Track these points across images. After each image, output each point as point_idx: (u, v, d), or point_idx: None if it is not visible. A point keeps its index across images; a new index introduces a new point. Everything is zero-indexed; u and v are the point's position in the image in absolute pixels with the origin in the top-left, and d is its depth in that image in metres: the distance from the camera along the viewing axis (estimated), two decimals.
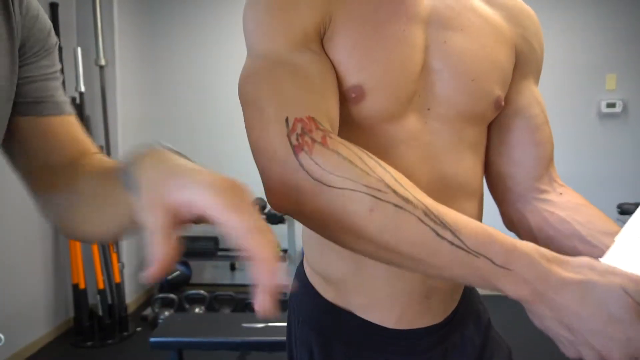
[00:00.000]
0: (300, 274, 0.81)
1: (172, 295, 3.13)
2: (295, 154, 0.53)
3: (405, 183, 0.54)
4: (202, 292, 3.14)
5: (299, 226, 3.35)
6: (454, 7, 0.69)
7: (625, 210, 3.07)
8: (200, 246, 3.36)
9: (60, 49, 2.83)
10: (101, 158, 0.59)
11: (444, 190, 0.68)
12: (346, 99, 0.63)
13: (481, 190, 0.77)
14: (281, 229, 3.33)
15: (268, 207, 3.34)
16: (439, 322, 0.74)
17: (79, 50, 2.87)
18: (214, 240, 3.40)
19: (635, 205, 2.98)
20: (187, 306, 3.15)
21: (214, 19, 3.53)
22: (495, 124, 0.76)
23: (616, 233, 0.60)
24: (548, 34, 2.94)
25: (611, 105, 3.43)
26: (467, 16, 0.70)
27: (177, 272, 3.43)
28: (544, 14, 3.33)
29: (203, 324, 2.16)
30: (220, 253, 3.46)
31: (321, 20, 0.62)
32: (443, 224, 0.51)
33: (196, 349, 2.10)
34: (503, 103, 0.72)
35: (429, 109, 0.68)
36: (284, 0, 0.61)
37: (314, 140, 0.53)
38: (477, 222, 0.53)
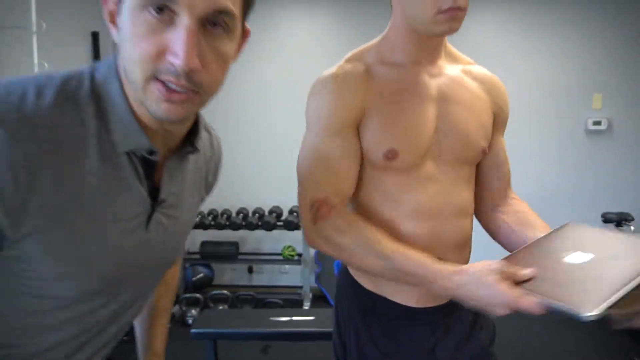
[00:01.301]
0: (344, 271, 1.14)
1: (197, 295, 3.46)
2: (314, 222, 0.95)
3: (373, 239, 0.92)
4: (225, 292, 3.47)
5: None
6: (452, 86, 1.03)
7: (608, 219, 3.38)
8: (223, 250, 3.69)
9: None
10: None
11: (450, 212, 1.03)
12: (384, 157, 0.97)
13: (472, 210, 1.11)
14: (297, 234, 3.66)
15: (284, 215, 3.68)
16: (444, 303, 1.07)
17: None
18: (235, 245, 3.73)
19: (617, 215, 3.30)
20: (211, 305, 3.48)
21: None
22: None
23: (535, 226, 1.01)
24: (540, 58, 3.33)
25: (597, 123, 3.73)
26: (461, 92, 1.04)
27: (201, 275, 3.76)
28: (537, 40, 3.68)
29: (235, 318, 2.48)
30: (240, 257, 3.79)
31: (357, 115, 0.97)
32: (394, 268, 0.91)
33: (229, 339, 2.42)
34: (487, 150, 1.08)
35: (439, 156, 1.01)
36: (336, 101, 0.96)
37: (322, 216, 0.95)
38: (417, 258, 0.90)
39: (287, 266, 3.97)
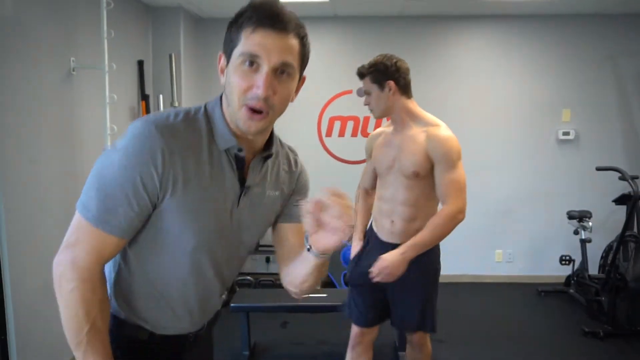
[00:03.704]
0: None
1: None
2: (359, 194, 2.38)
3: (358, 209, 2.33)
4: (248, 277, 4.11)
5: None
6: (405, 139, 2.03)
7: (571, 216, 3.99)
8: None
9: (147, 96, 3.81)
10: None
11: (397, 201, 2.06)
12: (374, 171, 2.21)
13: (415, 202, 2.03)
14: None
15: None
16: (398, 243, 2.02)
17: (161, 96, 3.84)
18: None
19: (579, 212, 3.90)
20: (237, 289, 4.11)
21: None
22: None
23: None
24: (519, 78, 4.09)
25: (566, 133, 4.32)
26: (409, 142, 2.01)
27: None
28: (516, 63, 4.31)
29: (263, 296, 3.12)
30: (259, 249, 4.39)
31: (371, 152, 2.23)
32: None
33: (259, 311, 3.06)
34: (419, 173, 1.97)
35: (393, 172, 2.06)
36: (366, 145, 2.28)
37: (358, 193, 2.39)
38: (361, 223, 2.31)
39: None
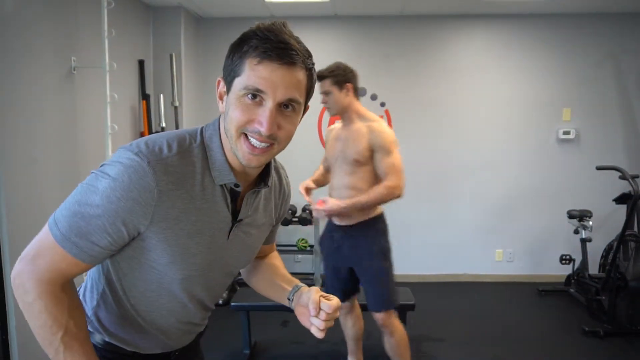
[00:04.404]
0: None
1: None
2: None
3: (317, 172, 2.76)
4: None
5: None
6: (349, 132, 2.42)
7: (572, 215, 3.99)
8: None
9: (148, 95, 3.81)
10: (275, 259, 1.26)
11: (340, 185, 2.46)
12: (324, 161, 2.67)
13: (354, 186, 2.40)
14: (309, 229, 4.29)
15: (298, 212, 4.31)
16: (345, 225, 2.49)
17: (162, 96, 3.84)
18: None
19: (579, 212, 3.90)
20: (238, 288, 4.11)
21: None
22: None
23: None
24: (519, 77, 4.12)
25: (567, 132, 4.32)
26: (352, 135, 2.40)
27: None
28: (516, 62, 4.32)
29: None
30: None
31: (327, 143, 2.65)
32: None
33: (260, 310, 3.07)
34: (359, 160, 2.36)
35: (339, 162, 2.47)
36: (325, 135, 2.71)
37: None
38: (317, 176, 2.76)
39: (300, 256, 4.61)
